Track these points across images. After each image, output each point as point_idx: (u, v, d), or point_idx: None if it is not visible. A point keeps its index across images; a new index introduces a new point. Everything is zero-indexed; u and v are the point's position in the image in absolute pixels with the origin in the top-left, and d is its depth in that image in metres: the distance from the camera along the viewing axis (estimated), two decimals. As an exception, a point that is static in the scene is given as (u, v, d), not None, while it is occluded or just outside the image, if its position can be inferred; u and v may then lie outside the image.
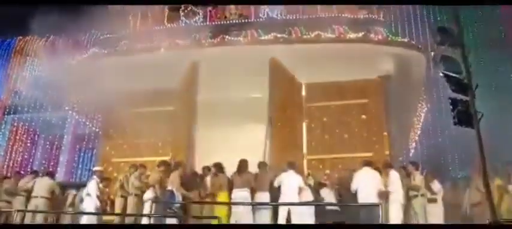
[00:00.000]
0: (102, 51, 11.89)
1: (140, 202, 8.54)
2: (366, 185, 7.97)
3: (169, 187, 8.30)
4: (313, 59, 10.84)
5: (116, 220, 8.88)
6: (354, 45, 10.85)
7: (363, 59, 10.91)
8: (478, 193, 7.41)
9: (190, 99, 11.73)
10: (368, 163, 8.50)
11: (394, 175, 8.07)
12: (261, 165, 8.82)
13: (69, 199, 9.57)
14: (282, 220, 7.86)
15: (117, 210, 8.90)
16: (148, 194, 8.47)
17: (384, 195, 7.87)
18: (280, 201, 8.05)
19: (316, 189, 8.79)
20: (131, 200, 8.65)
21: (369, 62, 11.08)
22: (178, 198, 8.26)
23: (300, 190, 8.13)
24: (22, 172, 11.95)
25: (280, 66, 11.19)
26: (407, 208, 8.06)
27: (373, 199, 7.71)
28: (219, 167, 8.66)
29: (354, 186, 8.08)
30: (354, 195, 8.11)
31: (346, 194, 8.48)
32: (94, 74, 11.34)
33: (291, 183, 8.05)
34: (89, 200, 8.81)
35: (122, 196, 8.96)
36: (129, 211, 8.60)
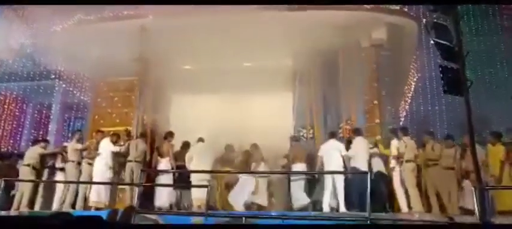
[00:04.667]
0: (88, 17, 11.55)
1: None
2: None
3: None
4: (304, 26, 10.62)
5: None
6: (345, 13, 10.62)
7: (354, 27, 10.72)
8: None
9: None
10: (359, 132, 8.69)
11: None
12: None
13: None
14: (328, 192, 7.91)
15: (85, 175, 8.90)
16: (162, 165, 8.67)
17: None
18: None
19: None
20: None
21: (361, 30, 10.91)
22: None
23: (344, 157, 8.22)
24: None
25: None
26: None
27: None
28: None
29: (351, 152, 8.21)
30: None
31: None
32: (79, 41, 11.06)
33: (331, 152, 8.16)
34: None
35: (88, 163, 8.97)
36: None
